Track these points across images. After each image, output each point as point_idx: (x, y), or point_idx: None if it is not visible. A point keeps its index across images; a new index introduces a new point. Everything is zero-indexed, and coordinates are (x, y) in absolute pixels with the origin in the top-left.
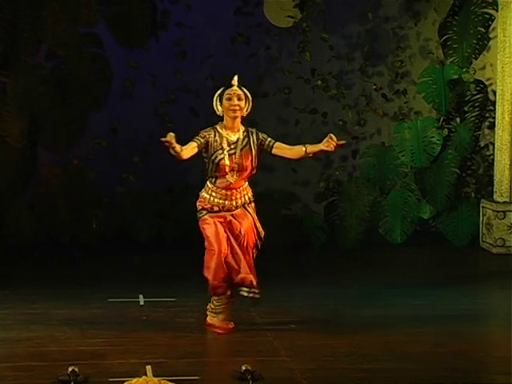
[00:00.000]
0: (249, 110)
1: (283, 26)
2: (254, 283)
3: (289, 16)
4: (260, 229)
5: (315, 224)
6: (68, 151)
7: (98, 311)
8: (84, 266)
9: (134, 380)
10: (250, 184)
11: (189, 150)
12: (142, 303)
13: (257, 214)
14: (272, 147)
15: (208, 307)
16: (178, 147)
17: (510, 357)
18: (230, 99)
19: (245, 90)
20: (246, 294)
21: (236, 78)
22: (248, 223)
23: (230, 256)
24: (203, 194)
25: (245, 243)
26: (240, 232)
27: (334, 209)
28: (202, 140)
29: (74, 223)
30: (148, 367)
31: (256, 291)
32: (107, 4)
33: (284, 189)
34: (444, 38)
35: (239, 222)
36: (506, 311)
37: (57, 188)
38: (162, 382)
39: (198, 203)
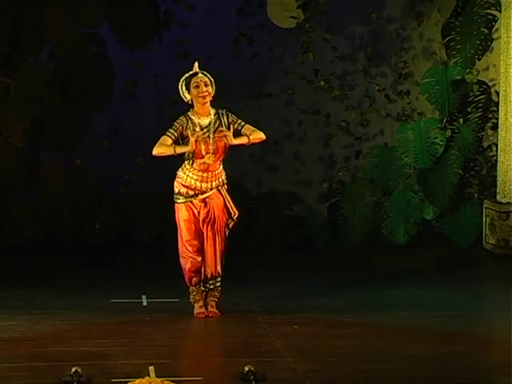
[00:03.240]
0: (213, 92)
1: (286, 27)
2: (216, 273)
3: (292, 17)
4: (232, 209)
5: (318, 224)
6: (70, 151)
7: (101, 312)
8: (86, 267)
9: (137, 381)
10: (224, 168)
11: (166, 148)
12: (144, 304)
13: (260, 214)
14: (241, 130)
15: (190, 299)
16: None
17: None
18: (197, 87)
19: (208, 76)
20: (211, 286)
21: (196, 64)
22: (220, 205)
23: (199, 247)
24: (180, 173)
25: (218, 227)
26: (213, 217)
27: (337, 209)
28: (176, 134)
29: (76, 223)
30: (151, 368)
31: (217, 281)
32: (110, 4)
33: (287, 189)
34: (447, 38)
35: (211, 207)
36: (508, 312)
37: (59, 188)
38: (165, 382)
39: (175, 182)
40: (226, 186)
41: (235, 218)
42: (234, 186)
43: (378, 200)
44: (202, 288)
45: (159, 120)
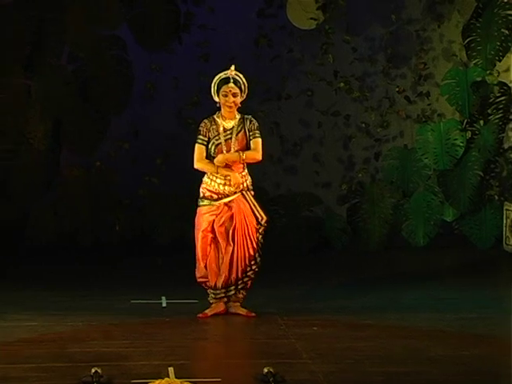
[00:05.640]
0: (245, 96)
1: (306, 28)
2: (230, 281)
3: (312, 18)
4: (260, 214)
5: (337, 226)
6: (90, 153)
7: (121, 313)
8: (106, 268)
9: (157, 382)
10: (251, 174)
11: (208, 165)
12: (164, 305)
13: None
14: (250, 140)
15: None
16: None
17: None
18: (226, 96)
19: (242, 81)
20: (230, 293)
21: (233, 67)
22: (245, 210)
23: (215, 258)
24: (205, 178)
25: (243, 232)
26: (236, 222)
27: (357, 211)
28: (206, 138)
29: (95, 225)
30: (170, 369)
31: (230, 290)
32: (130, 6)
33: (306, 191)
34: (467, 40)
35: (235, 211)
36: None
37: (79, 190)
38: (184, 383)
39: (201, 188)
40: (252, 192)
41: (263, 222)
42: (253, 187)
43: (398, 202)
44: (220, 293)
45: (179, 122)
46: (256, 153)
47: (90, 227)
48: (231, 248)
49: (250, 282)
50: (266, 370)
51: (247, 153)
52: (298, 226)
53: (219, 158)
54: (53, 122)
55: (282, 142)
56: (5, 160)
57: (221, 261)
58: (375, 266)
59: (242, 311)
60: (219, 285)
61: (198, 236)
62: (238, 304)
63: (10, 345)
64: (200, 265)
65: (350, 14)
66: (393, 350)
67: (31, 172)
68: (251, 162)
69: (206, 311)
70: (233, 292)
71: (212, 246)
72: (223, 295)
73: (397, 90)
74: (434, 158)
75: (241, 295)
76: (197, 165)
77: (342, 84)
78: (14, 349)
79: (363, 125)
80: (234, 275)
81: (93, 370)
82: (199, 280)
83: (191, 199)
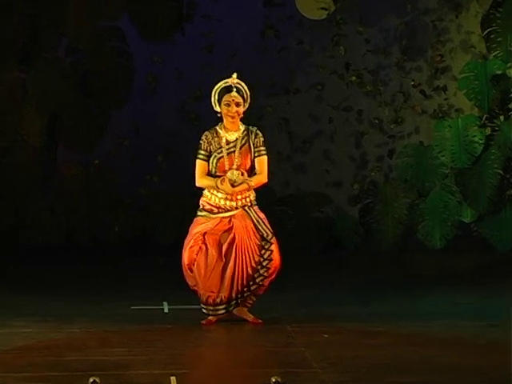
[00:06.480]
0: (247, 105)
1: (316, 19)
2: (232, 297)
3: (322, 8)
4: (264, 230)
5: (349, 227)
6: (89, 150)
7: (120, 319)
8: (105, 270)
9: None
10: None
11: (210, 182)
12: (166, 311)
13: (288, 216)
14: (255, 158)
15: None
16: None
17: None
18: (228, 105)
19: (244, 89)
20: (230, 308)
21: (235, 75)
22: (246, 227)
23: (204, 265)
24: (205, 191)
25: (243, 250)
26: (236, 238)
27: (369, 212)
28: (207, 152)
29: (94, 225)
30: (172, 378)
31: (232, 304)
32: None
33: (316, 190)
34: (487, 31)
35: (236, 227)
36: None
37: (77, 189)
38: None
39: (200, 200)
40: (256, 207)
41: (269, 238)
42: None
43: (413, 202)
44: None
45: (182, 117)
46: (262, 177)
47: (88, 227)
48: (222, 264)
49: (261, 289)
50: (273, 380)
51: (254, 179)
52: (308, 227)
53: (226, 189)
54: (49, 117)
55: (290, 138)
56: None
57: (208, 268)
58: (388, 269)
59: (249, 317)
60: (218, 301)
61: (188, 242)
62: (246, 309)
63: (5, 353)
64: (187, 272)
65: (362, 4)
66: (407, 358)
67: (26, 170)
68: (259, 186)
69: (210, 317)
70: (233, 307)
71: (199, 254)
72: (224, 311)
73: (412, 83)
74: (452, 156)
75: (250, 301)
76: (199, 183)
77: (354, 77)
78: (9, 357)
79: (376, 120)
80: (234, 291)
81: (90, 380)
82: (193, 288)
83: (193, 198)
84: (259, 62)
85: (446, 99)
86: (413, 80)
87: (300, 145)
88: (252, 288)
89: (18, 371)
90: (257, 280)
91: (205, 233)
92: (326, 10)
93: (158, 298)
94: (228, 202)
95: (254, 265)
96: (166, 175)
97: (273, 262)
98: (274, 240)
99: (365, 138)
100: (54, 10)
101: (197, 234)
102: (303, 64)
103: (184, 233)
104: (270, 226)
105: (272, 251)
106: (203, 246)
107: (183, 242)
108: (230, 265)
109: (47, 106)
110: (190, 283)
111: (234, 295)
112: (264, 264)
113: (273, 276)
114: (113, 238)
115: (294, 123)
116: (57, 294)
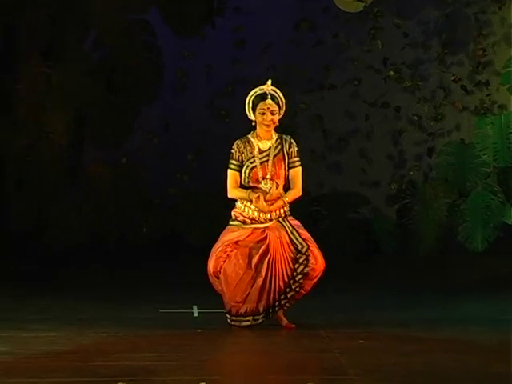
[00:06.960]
0: (282, 113)
1: (352, 11)
2: (255, 311)
3: (358, 0)
4: (299, 242)
5: (386, 229)
6: (116, 148)
7: (149, 323)
8: (133, 272)
9: None
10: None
11: (242, 194)
12: (196, 315)
13: (322, 217)
14: (289, 169)
15: None
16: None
17: None
18: (263, 114)
19: (279, 97)
20: (249, 323)
21: (269, 82)
22: (281, 239)
23: (232, 271)
24: (238, 203)
25: (276, 263)
26: (270, 250)
27: (408, 212)
28: (238, 161)
29: (122, 226)
30: None
31: (258, 318)
32: None
33: (352, 190)
34: None
35: (270, 239)
36: None
37: (104, 188)
38: None
39: (233, 211)
40: (291, 217)
41: (304, 251)
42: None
43: (454, 202)
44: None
45: (212, 114)
46: (297, 191)
47: (115, 227)
48: (251, 274)
49: (298, 295)
50: None
51: (289, 195)
52: (343, 228)
53: (261, 208)
54: (75, 114)
55: (325, 136)
56: (22, 156)
57: (235, 278)
58: (428, 272)
59: (283, 321)
60: (241, 311)
61: (216, 249)
62: (282, 311)
63: (29, 357)
64: (214, 279)
65: None
66: (447, 365)
67: (51, 168)
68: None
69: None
70: (260, 320)
71: (227, 262)
72: (248, 323)
73: (452, 78)
74: (494, 154)
75: (288, 304)
76: (231, 194)
77: (391, 72)
78: (33, 362)
79: (415, 117)
80: (262, 304)
81: None
82: (220, 293)
83: (223, 197)
84: (292, 57)
85: (488, 95)
86: (453, 75)
87: (335, 143)
88: (289, 295)
89: (42, 376)
90: (293, 286)
91: (236, 241)
92: (362, 1)
93: (187, 302)
94: (262, 214)
95: (286, 279)
96: (197, 174)
97: (309, 275)
98: (311, 248)
99: (403, 136)
100: (81, 2)
101: (227, 242)
102: (339, 59)
103: (214, 234)
104: (305, 228)
105: (306, 264)
106: (231, 254)
107: (213, 243)
108: (260, 277)
109: (73, 102)
110: (216, 289)
111: (261, 308)
112: (297, 279)
113: (315, 280)
114: (141, 239)
115: (329, 120)
116: (82, 297)
